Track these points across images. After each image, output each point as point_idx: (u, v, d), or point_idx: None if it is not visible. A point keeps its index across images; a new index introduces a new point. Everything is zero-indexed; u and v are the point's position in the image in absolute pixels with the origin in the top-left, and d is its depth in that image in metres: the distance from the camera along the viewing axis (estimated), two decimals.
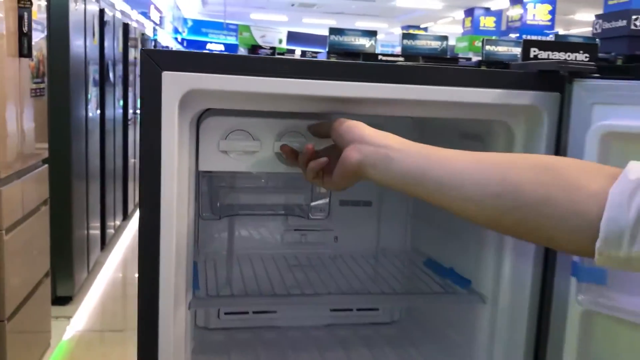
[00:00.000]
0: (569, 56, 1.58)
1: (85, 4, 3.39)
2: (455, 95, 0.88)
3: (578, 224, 0.56)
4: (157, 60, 0.77)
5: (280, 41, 12.63)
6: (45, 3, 2.62)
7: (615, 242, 0.53)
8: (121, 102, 4.68)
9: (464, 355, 1.10)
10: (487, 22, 12.94)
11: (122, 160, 4.75)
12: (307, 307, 1.24)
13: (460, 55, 9.43)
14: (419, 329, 1.35)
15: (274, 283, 1.14)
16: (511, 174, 0.62)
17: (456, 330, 1.18)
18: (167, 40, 11.91)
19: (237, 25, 14.11)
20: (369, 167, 0.75)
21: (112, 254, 4.27)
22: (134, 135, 5.04)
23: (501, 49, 6.80)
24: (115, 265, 4.06)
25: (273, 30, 12.91)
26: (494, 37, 9.33)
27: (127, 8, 5.55)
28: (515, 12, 11.79)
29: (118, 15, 4.54)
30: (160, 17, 10.77)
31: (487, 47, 6.76)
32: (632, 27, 4.41)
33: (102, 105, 3.96)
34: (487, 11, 13.19)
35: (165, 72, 0.77)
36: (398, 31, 16.58)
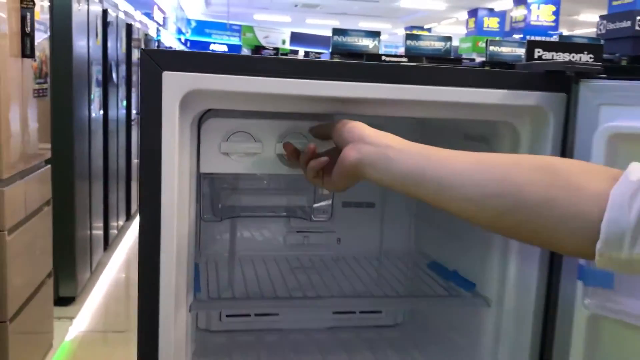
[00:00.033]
0: (573, 57, 1.56)
1: (88, 5, 3.39)
2: (459, 96, 0.87)
3: (578, 225, 0.55)
4: (158, 60, 0.76)
5: (284, 42, 12.63)
6: (48, 4, 2.62)
7: (616, 244, 0.53)
8: (124, 103, 4.68)
9: (468, 358, 1.09)
10: (491, 23, 12.92)
11: (126, 160, 4.75)
12: (309, 309, 1.23)
13: (463, 56, 9.41)
14: (423, 332, 1.33)
15: (276, 285, 1.13)
16: (511, 174, 0.61)
17: (460, 334, 1.17)
18: (171, 40, 11.93)
19: (240, 25, 14.12)
20: (367, 167, 0.74)
21: (115, 254, 4.27)
22: (137, 135, 5.04)
23: (505, 50, 6.79)
24: (118, 265, 4.06)
25: (276, 31, 12.91)
26: (497, 38, 9.31)
27: (130, 9, 5.56)
28: (519, 12, 11.77)
29: (121, 15, 4.55)
30: (164, 18, 10.79)
31: (491, 48, 6.75)
32: (637, 27, 4.39)
33: (105, 105, 3.96)
34: (491, 12, 13.17)
35: (166, 72, 0.76)
36: (401, 32, 16.57)
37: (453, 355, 1.16)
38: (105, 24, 3.88)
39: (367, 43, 5.49)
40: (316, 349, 1.24)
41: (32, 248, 2.41)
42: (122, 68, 4.54)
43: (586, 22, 14.66)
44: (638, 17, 4.19)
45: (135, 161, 4.99)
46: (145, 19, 7.48)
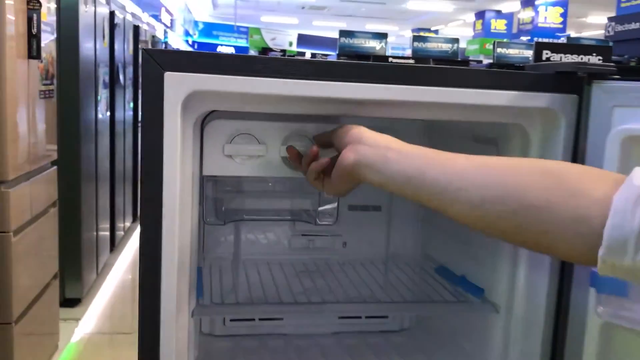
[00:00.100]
0: (581, 59, 1.54)
1: (95, 7, 3.40)
2: (468, 97, 0.85)
3: (580, 231, 0.54)
4: (160, 61, 0.74)
5: (291, 44, 12.65)
6: (55, 5, 2.62)
7: (619, 251, 0.51)
8: (131, 104, 4.69)
9: None
10: (498, 25, 12.89)
11: (132, 162, 4.76)
12: (314, 314, 1.21)
13: (470, 58, 9.39)
14: (430, 338, 1.31)
15: (281, 290, 1.11)
16: (512, 177, 0.60)
17: (468, 340, 1.15)
18: (178, 42, 11.97)
19: (247, 27, 14.17)
20: (365, 168, 0.72)
21: (122, 256, 4.27)
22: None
23: (512, 52, 6.76)
24: (124, 267, 4.06)
25: (283, 33, 12.94)
26: (505, 40, 9.28)
27: (138, 10, 5.57)
28: (526, 14, 11.72)
29: (129, 17, 4.56)
30: (171, 20, 10.82)
31: (499, 50, 6.72)
32: None
33: (112, 107, 3.96)
34: (498, 14, 13.14)
35: (168, 72, 0.75)
36: (409, 34, 16.57)
37: None
38: (113, 26, 3.89)
39: (374, 45, 5.48)
40: (321, 354, 1.22)
41: (38, 249, 2.41)
42: (129, 70, 4.54)
43: (594, 24, 14.58)
44: None
45: None
46: (152, 21, 7.51)
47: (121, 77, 4.16)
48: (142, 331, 0.80)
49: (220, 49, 13.67)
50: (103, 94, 3.68)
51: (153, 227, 0.78)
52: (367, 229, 1.31)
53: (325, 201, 1.10)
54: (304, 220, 1.14)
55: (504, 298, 1.00)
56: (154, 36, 6.26)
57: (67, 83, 2.99)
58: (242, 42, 14.25)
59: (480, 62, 7.23)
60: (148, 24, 6.26)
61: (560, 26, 11.20)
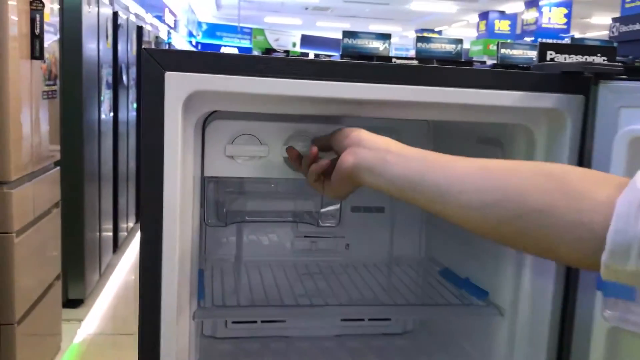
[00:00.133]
0: (586, 59, 1.53)
1: (98, 7, 3.40)
2: (472, 98, 0.84)
3: (582, 235, 0.53)
4: (160, 60, 0.74)
5: (294, 44, 12.66)
6: (58, 6, 2.62)
7: (622, 255, 0.50)
8: (135, 105, 4.69)
9: None
10: (502, 26, 12.87)
11: (136, 162, 4.76)
12: (316, 317, 1.20)
13: (474, 59, 9.37)
14: (433, 340, 1.30)
15: (283, 292, 1.10)
16: (513, 181, 0.59)
17: (472, 343, 1.13)
18: (182, 43, 11.99)
19: (251, 28, 14.19)
20: (364, 171, 0.72)
21: (125, 256, 4.27)
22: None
23: (516, 52, 6.75)
24: (127, 268, 4.06)
25: (287, 34, 12.94)
26: (509, 41, 9.26)
27: (141, 11, 5.58)
28: (530, 15, 11.70)
29: (132, 18, 4.56)
30: (175, 21, 10.84)
31: (502, 51, 6.71)
32: None
33: (115, 108, 3.97)
34: (502, 15, 13.12)
35: (169, 72, 0.74)
36: (412, 35, 16.55)
37: None
38: (116, 27, 3.89)
39: (378, 45, 5.48)
40: (323, 357, 1.21)
41: (41, 250, 2.41)
42: (133, 70, 4.55)
43: (598, 25, 14.53)
44: None
45: None
46: (156, 22, 7.52)
47: (124, 77, 4.16)
48: (142, 334, 0.80)
49: (223, 50, 13.69)
50: (106, 95, 3.68)
51: (153, 228, 0.77)
52: (370, 230, 1.30)
53: (327, 203, 1.09)
54: (306, 222, 1.13)
55: (508, 301, 0.98)
56: (157, 37, 6.26)
57: (70, 84, 2.99)
58: (245, 43, 14.27)
59: (484, 62, 7.21)
60: (151, 24, 6.26)
61: (564, 27, 11.17)
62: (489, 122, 0.91)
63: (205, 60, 0.76)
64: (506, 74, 0.87)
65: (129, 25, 4.35)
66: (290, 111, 0.83)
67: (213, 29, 15.40)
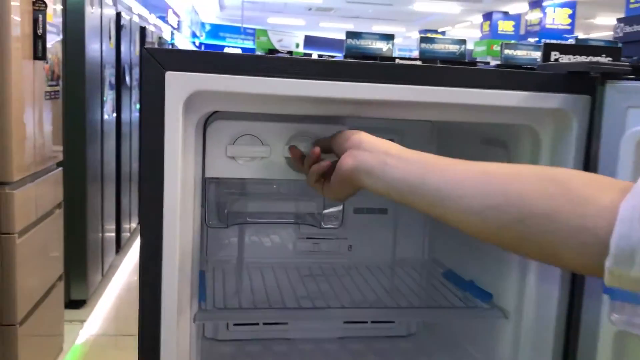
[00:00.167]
0: (591, 60, 1.51)
1: (101, 8, 3.40)
2: (477, 98, 0.83)
3: (586, 240, 0.52)
4: (161, 60, 0.73)
5: (297, 45, 12.66)
6: (61, 7, 2.62)
7: (626, 261, 0.49)
8: (138, 106, 4.70)
9: None
10: (506, 26, 12.85)
11: (139, 163, 4.76)
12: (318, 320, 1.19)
13: (478, 60, 9.34)
14: (437, 343, 1.29)
15: (285, 294, 1.09)
16: (515, 185, 0.58)
17: (476, 346, 1.12)
18: (185, 44, 12.00)
19: (254, 29, 14.20)
20: (363, 174, 0.71)
21: (127, 257, 4.27)
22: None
23: (520, 53, 6.72)
24: (130, 268, 4.06)
25: (290, 35, 12.95)
26: (512, 42, 9.23)
27: (144, 12, 5.58)
28: (534, 16, 11.67)
29: (135, 19, 4.56)
30: (178, 22, 10.86)
31: (506, 51, 6.69)
32: None
33: (118, 108, 3.97)
34: (506, 15, 13.10)
35: (169, 72, 0.73)
36: (416, 35, 16.55)
37: None
38: (119, 27, 3.89)
39: (381, 46, 5.46)
40: None
41: (43, 251, 2.41)
42: (136, 71, 4.55)
43: (602, 26, 14.48)
44: None
45: None
46: (159, 23, 7.53)
47: (127, 78, 4.16)
48: (142, 336, 0.79)
49: (226, 51, 13.71)
50: (109, 95, 3.68)
51: (153, 230, 0.76)
52: (374, 232, 1.29)
53: (330, 204, 1.08)
54: (308, 223, 1.12)
55: (513, 304, 0.97)
56: (160, 37, 6.27)
57: (73, 84, 2.99)
58: (248, 44, 14.28)
59: (488, 63, 7.19)
60: (155, 25, 6.27)
61: (568, 27, 11.14)
62: (494, 122, 0.90)
63: (206, 59, 0.75)
64: (511, 74, 0.86)
65: (132, 25, 4.36)
66: (292, 111, 0.82)
67: (216, 30, 15.42)
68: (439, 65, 0.98)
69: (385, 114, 0.85)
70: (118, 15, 3.88)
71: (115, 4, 3.82)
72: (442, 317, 1.20)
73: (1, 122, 2.00)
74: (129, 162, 4.37)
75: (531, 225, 0.55)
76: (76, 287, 3.18)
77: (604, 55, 1.52)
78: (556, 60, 1.86)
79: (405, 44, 19.43)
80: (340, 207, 1.07)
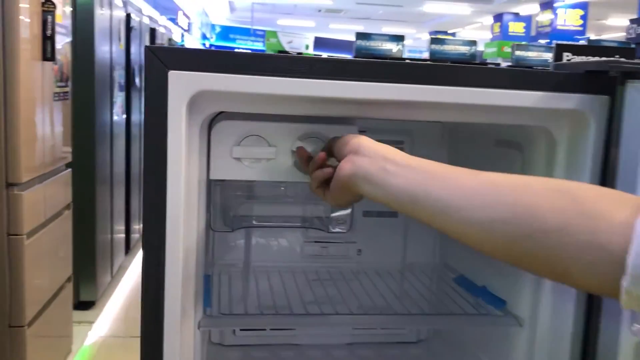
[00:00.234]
0: (610, 58, 1.48)
1: (111, 10, 3.40)
2: (491, 98, 0.80)
3: (599, 258, 0.49)
4: (164, 59, 0.71)
5: (307, 47, 12.66)
6: (71, 9, 2.62)
7: None
8: None
9: None
10: (516, 28, 12.76)
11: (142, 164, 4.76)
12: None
13: (488, 61, 9.28)
14: (448, 350, 1.26)
15: (292, 299, 1.07)
16: (525, 197, 0.55)
17: (489, 353, 1.09)
18: (195, 46, 12.05)
19: (264, 31, 14.22)
20: (361, 180, 0.68)
21: (137, 258, 4.27)
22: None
23: (531, 54, 6.67)
24: (139, 269, 4.05)
25: (300, 36, 12.94)
26: (523, 43, 9.16)
27: (155, 14, 5.60)
28: (545, 17, 11.58)
29: (145, 20, 4.57)
30: (189, 23, 10.90)
31: (517, 53, 6.64)
32: None
33: (128, 109, 3.97)
34: (517, 16, 13.01)
35: (172, 71, 0.71)
36: (426, 37, 16.49)
37: None
38: (129, 29, 3.89)
39: (391, 47, 5.44)
40: None
41: (52, 252, 2.40)
42: None
43: (614, 27, 14.33)
44: None
45: None
46: (170, 24, 7.55)
47: (137, 80, 4.16)
48: (145, 342, 0.77)
49: None
50: (119, 97, 3.69)
51: (156, 234, 0.74)
52: (383, 236, 1.27)
53: (337, 207, 1.05)
54: (316, 227, 1.10)
55: (527, 311, 0.94)
56: (170, 39, 6.28)
57: (83, 85, 2.99)
58: (258, 45, 14.32)
59: (498, 64, 7.14)
60: (165, 27, 6.29)
61: (580, 29, 11.03)
62: (507, 124, 0.87)
63: (210, 58, 0.73)
64: (525, 73, 0.83)
65: (142, 27, 4.36)
66: (299, 112, 0.80)
67: (226, 32, 15.47)
68: (449, 64, 0.95)
69: (395, 114, 0.82)
70: (128, 16, 3.89)
71: (125, 5, 3.83)
72: (454, 325, 1.17)
73: (10, 123, 2.00)
74: (138, 163, 4.38)
75: (541, 240, 0.52)
76: (85, 288, 3.18)
77: (617, 56, 1.49)
78: (568, 61, 1.83)
79: (416, 45, 19.37)
80: (348, 211, 1.05)
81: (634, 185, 0.75)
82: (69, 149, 2.61)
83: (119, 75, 3.68)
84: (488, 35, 13.85)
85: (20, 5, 1.99)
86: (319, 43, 13.63)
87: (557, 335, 0.87)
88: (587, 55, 1.74)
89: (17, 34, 1.98)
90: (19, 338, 2.10)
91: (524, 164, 0.96)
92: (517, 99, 0.81)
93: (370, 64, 0.77)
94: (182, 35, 9.52)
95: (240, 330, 1.21)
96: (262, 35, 14.17)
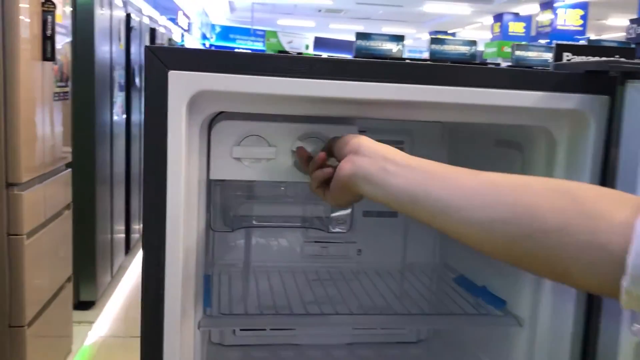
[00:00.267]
0: (610, 58, 1.48)
1: (111, 10, 3.40)
2: (491, 98, 0.80)
3: (599, 258, 0.49)
4: (163, 58, 0.71)
5: (307, 47, 12.66)
6: (71, 9, 2.62)
7: None
8: None
9: None
10: (516, 28, 12.76)
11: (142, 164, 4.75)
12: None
13: (488, 61, 9.28)
14: (448, 350, 1.26)
15: (292, 299, 1.07)
16: (525, 197, 0.55)
17: (489, 353, 1.09)
18: (196, 46, 12.05)
19: (264, 31, 14.23)
20: (361, 181, 0.68)
21: (137, 258, 4.27)
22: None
23: (531, 54, 6.67)
24: (139, 269, 4.05)
25: (300, 36, 12.95)
26: (523, 43, 9.16)
27: (155, 14, 5.59)
28: (545, 17, 11.58)
29: (145, 20, 4.57)
30: (189, 23, 10.90)
31: (517, 52, 6.64)
32: None
33: (128, 109, 3.97)
34: (516, 16, 13.01)
35: (172, 71, 0.71)
36: (426, 37, 16.50)
37: None
38: (129, 29, 3.89)
39: (391, 47, 5.44)
40: None
41: (52, 252, 2.40)
42: None
43: (614, 27, 14.33)
44: None
45: None
46: (170, 24, 7.55)
47: (137, 80, 4.16)
48: (145, 343, 0.77)
49: None
50: (119, 97, 3.69)
51: (156, 234, 0.74)
52: (383, 236, 1.27)
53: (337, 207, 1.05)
54: (316, 227, 1.10)
55: (527, 311, 0.94)
56: (170, 39, 6.28)
57: (83, 85, 2.99)
58: (258, 45, 14.32)
59: (498, 64, 7.14)
60: (165, 27, 6.28)
61: (580, 29, 11.03)
62: (507, 124, 0.87)
63: (210, 58, 0.73)
64: (525, 73, 0.83)
65: (142, 27, 4.36)
66: (299, 112, 0.80)
67: (226, 32, 15.47)
68: (449, 64, 0.95)
69: (395, 114, 0.82)
70: (128, 16, 3.89)
71: (125, 5, 3.83)
72: (454, 325, 1.17)
73: (10, 123, 2.00)
74: (138, 163, 4.38)
75: (541, 240, 0.52)
76: (85, 288, 3.18)
77: (617, 57, 1.49)
78: (568, 61, 1.83)
79: (416, 45, 19.37)
80: (348, 211, 1.05)
81: (634, 185, 0.75)
82: (69, 149, 2.61)
83: (119, 75, 3.68)
84: (488, 35, 13.85)
85: (20, 5, 1.99)
86: (319, 43, 13.64)
87: (557, 335, 0.87)
88: (587, 55, 1.74)
89: (17, 34, 1.98)
90: (19, 338, 2.10)
91: (524, 164, 0.96)
92: (517, 99, 0.81)
93: (370, 64, 0.77)
94: (182, 35, 9.52)
95: (240, 330, 1.21)
96: (262, 35, 14.17)
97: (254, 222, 1.12)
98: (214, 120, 0.83)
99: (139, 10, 4.42)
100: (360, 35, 5.35)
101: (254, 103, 0.77)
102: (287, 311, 1.04)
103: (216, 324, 0.96)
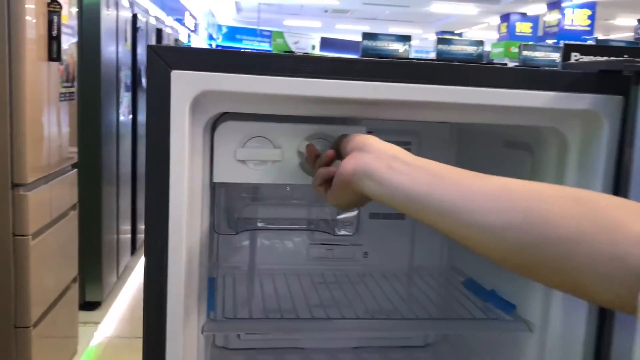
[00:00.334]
0: (624, 57, 1.45)
1: (117, 10, 3.40)
2: (500, 98, 0.78)
3: (614, 270, 0.47)
4: (166, 58, 0.69)
5: (314, 47, 12.66)
6: (77, 9, 2.62)
7: None
8: None
9: None
10: (523, 28, 12.69)
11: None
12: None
13: (495, 61, 9.24)
14: (456, 354, 1.24)
15: (297, 302, 1.05)
16: (538, 203, 0.53)
17: (498, 359, 1.07)
18: (202, 46, 12.07)
19: (270, 31, 14.24)
20: (364, 178, 0.65)
21: (143, 258, 4.27)
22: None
23: (539, 54, 6.63)
24: None
25: (306, 37, 12.95)
26: (531, 43, 9.10)
27: (161, 14, 5.60)
28: (552, 17, 11.51)
29: (152, 21, 4.58)
30: (195, 24, 10.92)
31: (525, 53, 6.60)
32: None
33: (134, 110, 3.97)
34: (524, 17, 12.95)
35: (175, 71, 0.70)
36: (432, 37, 16.45)
37: None
38: (135, 29, 3.90)
39: (398, 47, 5.42)
40: None
41: (57, 253, 2.40)
42: None
43: (622, 27, 14.23)
44: None
45: None
46: (176, 25, 7.57)
47: (143, 80, 4.17)
48: (147, 347, 0.76)
49: None
50: (125, 97, 3.69)
51: (158, 236, 0.73)
52: (390, 238, 1.25)
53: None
54: (321, 230, 1.08)
55: (538, 316, 0.92)
56: (177, 40, 6.29)
57: (89, 86, 3.00)
58: (265, 46, 14.33)
59: (505, 64, 7.10)
60: (172, 27, 6.30)
61: (588, 29, 10.96)
62: (518, 124, 0.85)
63: (213, 58, 0.71)
64: (536, 73, 0.81)
65: (149, 28, 4.37)
66: (305, 112, 0.78)
67: (233, 32, 15.50)
68: (457, 63, 0.93)
69: (402, 115, 0.81)
70: (134, 17, 3.89)
71: (131, 6, 3.83)
72: (462, 329, 1.15)
73: (16, 124, 2.00)
74: (145, 163, 4.38)
75: (553, 248, 0.50)
76: (91, 288, 3.18)
77: (625, 56, 1.46)
78: (577, 61, 1.80)
79: (422, 45, 19.32)
80: (355, 213, 1.03)
81: None
82: (75, 149, 2.61)
83: (125, 76, 3.68)
84: (495, 36, 13.79)
85: (26, 5, 1.99)
86: (326, 43, 13.63)
87: (568, 341, 0.85)
88: (595, 55, 1.71)
89: (23, 35, 1.98)
90: (24, 339, 2.09)
91: (534, 166, 0.94)
92: (527, 99, 0.79)
93: (377, 63, 0.75)
94: (189, 36, 9.54)
95: (245, 333, 1.20)
96: (269, 36, 14.18)
97: (259, 225, 1.10)
98: (217, 121, 0.82)
99: (146, 11, 4.43)
100: (367, 36, 5.34)
101: (258, 103, 0.76)
102: (292, 314, 1.02)
103: (220, 329, 0.94)
